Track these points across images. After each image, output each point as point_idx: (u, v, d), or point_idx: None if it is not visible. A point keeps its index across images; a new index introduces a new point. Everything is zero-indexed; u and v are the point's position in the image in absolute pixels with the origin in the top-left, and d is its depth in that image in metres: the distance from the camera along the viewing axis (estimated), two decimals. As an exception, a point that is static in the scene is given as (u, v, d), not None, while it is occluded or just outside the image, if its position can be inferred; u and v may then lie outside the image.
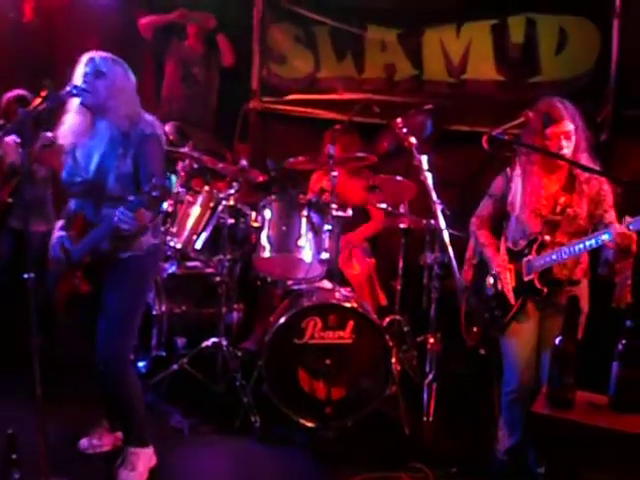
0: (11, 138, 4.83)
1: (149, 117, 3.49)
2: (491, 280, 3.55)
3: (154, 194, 3.05)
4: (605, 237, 3.11)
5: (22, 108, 4.66)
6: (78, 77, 3.34)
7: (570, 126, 3.35)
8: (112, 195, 3.27)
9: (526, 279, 3.41)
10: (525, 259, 3.42)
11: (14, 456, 3.00)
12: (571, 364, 2.67)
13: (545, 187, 3.46)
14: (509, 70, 5.33)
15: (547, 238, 3.39)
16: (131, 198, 3.12)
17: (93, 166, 3.40)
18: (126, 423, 3.65)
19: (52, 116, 3.56)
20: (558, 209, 3.42)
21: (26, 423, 3.14)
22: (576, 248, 3.22)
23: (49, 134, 4.80)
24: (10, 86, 5.20)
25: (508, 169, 3.57)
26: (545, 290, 3.37)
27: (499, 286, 3.48)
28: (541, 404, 2.69)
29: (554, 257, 3.31)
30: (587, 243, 3.18)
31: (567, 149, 3.35)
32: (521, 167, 3.50)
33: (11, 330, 4.68)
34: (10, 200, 4.98)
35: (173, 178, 3.13)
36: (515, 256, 3.48)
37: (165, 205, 3.14)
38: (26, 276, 3.04)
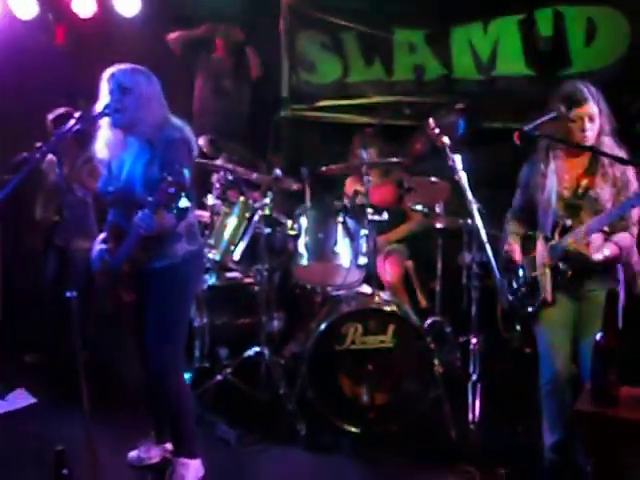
0: (52, 157, 4.93)
1: (178, 122, 3.49)
2: (520, 270, 3.53)
3: (170, 191, 3.03)
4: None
5: (58, 128, 4.80)
6: (105, 95, 3.39)
7: (594, 108, 3.34)
8: (141, 202, 3.25)
9: (550, 263, 3.39)
10: (549, 244, 3.41)
11: (65, 471, 3.04)
12: (613, 360, 2.63)
13: (568, 170, 3.46)
14: (539, 64, 5.28)
15: (569, 222, 3.37)
16: (149, 199, 3.12)
17: (124, 175, 3.46)
18: (176, 434, 3.69)
19: (91, 135, 3.61)
20: (580, 192, 3.41)
21: (75, 438, 3.19)
22: (594, 225, 3.23)
23: (89, 153, 4.90)
24: (45, 108, 5.31)
25: (541, 164, 3.54)
26: (569, 272, 3.35)
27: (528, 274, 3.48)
28: (585, 401, 2.65)
29: (577, 235, 3.28)
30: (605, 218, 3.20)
31: (590, 131, 3.35)
32: (544, 152, 3.50)
33: (58, 346, 4.77)
34: (56, 218, 5.08)
35: (186, 172, 3.10)
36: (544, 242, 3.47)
37: (185, 203, 3.06)
38: (69, 294, 3.09)
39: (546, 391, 3.49)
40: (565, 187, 3.44)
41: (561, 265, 3.36)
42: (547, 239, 3.45)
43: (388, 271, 5.02)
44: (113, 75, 3.39)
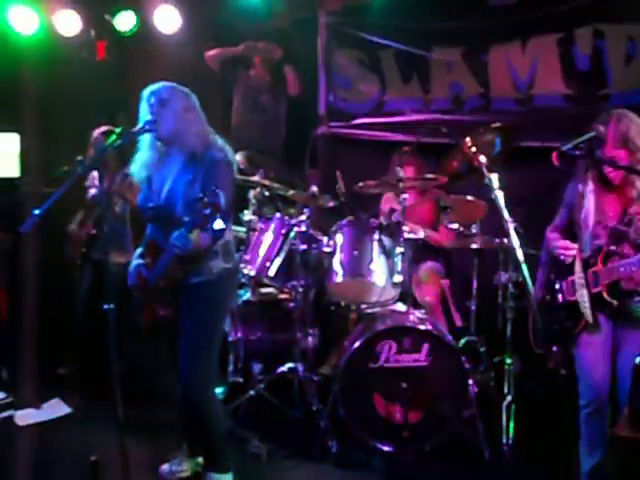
0: (94, 172, 5.02)
1: (220, 142, 3.54)
2: (558, 286, 3.50)
3: (205, 212, 3.05)
4: None
5: (100, 144, 4.89)
6: (145, 112, 3.45)
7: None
8: (180, 220, 3.29)
9: (594, 291, 3.34)
10: (591, 270, 3.36)
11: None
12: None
13: (616, 197, 3.40)
14: (578, 83, 5.24)
15: (612, 248, 3.32)
16: (186, 219, 3.16)
17: (165, 192, 3.50)
18: (207, 449, 3.70)
19: (132, 150, 3.67)
20: (627, 219, 3.35)
21: (109, 449, 3.22)
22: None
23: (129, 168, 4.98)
24: (87, 123, 5.41)
25: (580, 184, 3.51)
26: (615, 303, 3.30)
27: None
28: (623, 426, 2.61)
29: (622, 270, 3.24)
30: None
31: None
32: (592, 178, 3.44)
33: (94, 358, 4.82)
34: (94, 232, 5.16)
35: (221, 193, 3.11)
36: (583, 266, 3.42)
37: (220, 225, 3.08)
38: (106, 307, 3.13)
39: (586, 414, 3.44)
40: (609, 215, 3.38)
41: (606, 296, 3.31)
42: (588, 263, 3.40)
43: (425, 290, 5.00)
44: (153, 92, 3.47)
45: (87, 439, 4.19)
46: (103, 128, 5.14)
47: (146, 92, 3.48)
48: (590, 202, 3.44)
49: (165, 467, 3.89)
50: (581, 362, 3.46)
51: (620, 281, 3.30)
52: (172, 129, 3.44)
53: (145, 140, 3.53)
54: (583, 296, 3.41)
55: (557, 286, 3.56)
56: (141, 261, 3.60)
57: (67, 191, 3.05)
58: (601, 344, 3.42)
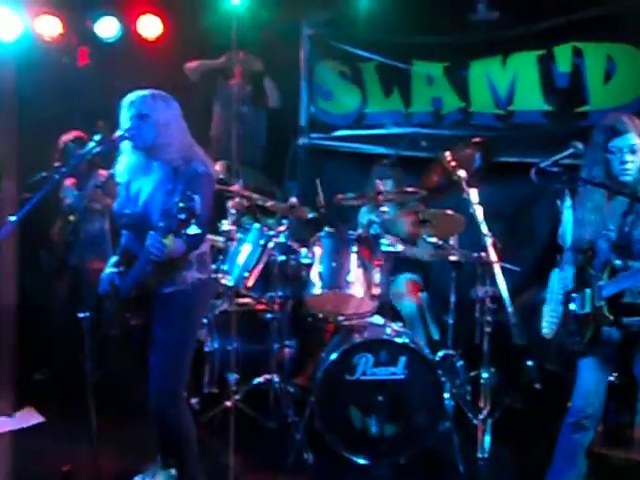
0: (70, 180, 4.98)
1: (201, 154, 3.52)
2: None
3: (180, 217, 3.03)
4: None
5: (77, 151, 4.85)
6: (125, 120, 3.43)
7: (635, 140, 3.23)
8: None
9: (596, 305, 3.29)
10: (597, 284, 3.30)
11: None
12: (628, 400, 2.59)
13: (611, 211, 3.34)
14: (557, 100, 5.30)
15: (618, 262, 3.26)
16: (160, 224, 3.13)
17: (142, 200, 3.47)
18: (179, 460, 3.66)
19: (108, 157, 3.64)
20: (626, 230, 3.29)
21: (82, 459, 3.19)
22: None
23: (103, 173, 4.94)
24: (66, 129, 5.37)
25: (558, 201, 3.51)
26: (612, 318, 3.23)
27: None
28: (597, 442, 2.61)
29: (621, 284, 3.19)
30: None
31: (632, 164, 3.24)
32: (583, 193, 3.41)
33: (68, 366, 4.77)
34: (71, 238, 5.12)
35: (197, 198, 3.10)
36: (592, 280, 3.34)
37: (195, 230, 3.07)
38: (82, 315, 3.10)
39: (570, 423, 3.37)
40: (610, 229, 3.32)
41: (605, 312, 3.24)
42: (596, 278, 3.33)
43: (403, 302, 5.00)
44: (132, 102, 3.42)
45: (60, 449, 4.14)
46: (71, 134, 5.11)
47: (126, 101, 3.45)
48: (567, 218, 3.44)
49: (138, 478, 3.84)
50: (580, 375, 3.40)
51: (623, 297, 3.23)
52: (152, 144, 3.41)
53: (127, 145, 3.50)
54: (553, 311, 3.40)
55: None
56: (114, 269, 3.57)
57: (44, 197, 3.03)
58: (605, 361, 3.37)
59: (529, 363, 4.37)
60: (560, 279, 3.46)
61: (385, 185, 4.73)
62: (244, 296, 4.88)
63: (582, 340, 3.34)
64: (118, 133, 3.39)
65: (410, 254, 5.14)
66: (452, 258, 4.76)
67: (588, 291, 3.33)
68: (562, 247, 3.48)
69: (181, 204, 3.04)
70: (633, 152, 3.24)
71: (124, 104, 3.45)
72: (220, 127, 6.31)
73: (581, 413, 3.35)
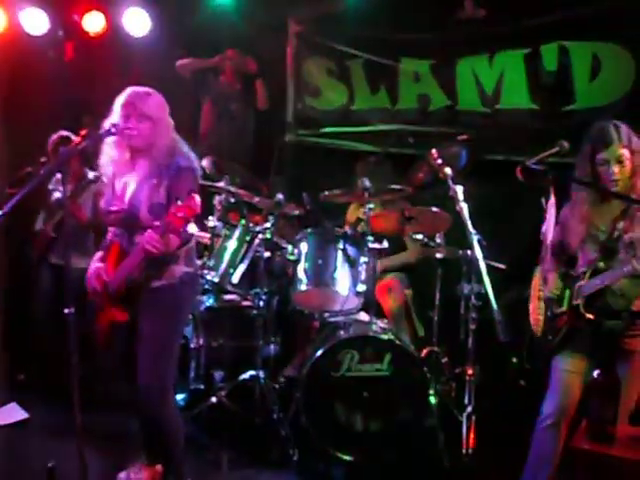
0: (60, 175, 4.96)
1: (186, 148, 3.52)
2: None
3: (179, 215, 3.07)
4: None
5: (64, 147, 4.83)
6: (117, 116, 3.41)
7: (622, 150, 3.24)
8: (144, 225, 3.28)
9: (573, 303, 3.33)
10: (577, 284, 3.34)
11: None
12: (611, 397, 2.61)
13: (603, 213, 3.36)
14: (543, 98, 5.33)
15: (601, 264, 3.29)
16: (157, 223, 3.15)
17: (128, 196, 3.47)
18: (165, 456, 3.66)
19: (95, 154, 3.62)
20: (616, 235, 3.31)
21: (66, 455, 3.18)
22: (617, 272, 3.15)
23: (92, 173, 4.93)
24: (52, 124, 5.34)
25: (542, 199, 3.54)
26: (588, 316, 3.26)
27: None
28: (580, 438, 2.63)
29: (597, 282, 3.23)
30: (625, 269, 3.11)
31: (620, 174, 3.24)
32: (575, 195, 3.42)
33: (52, 362, 4.76)
34: (53, 235, 5.10)
35: (197, 198, 3.13)
36: (572, 281, 3.39)
37: (193, 229, 3.10)
38: (66, 311, 3.10)
39: (543, 426, 3.37)
40: (600, 230, 3.34)
41: (582, 309, 3.27)
42: (577, 279, 3.36)
43: (390, 299, 5.01)
44: (132, 103, 3.40)
45: (44, 445, 4.13)
46: (58, 134, 5.09)
47: (123, 98, 3.42)
48: (551, 216, 3.46)
49: (123, 475, 3.82)
50: (553, 375, 3.42)
51: (604, 298, 3.26)
52: (148, 142, 3.41)
53: (111, 139, 3.48)
54: (538, 308, 3.43)
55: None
56: (101, 265, 3.56)
57: (30, 192, 3.02)
58: (580, 363, 3.37)
59: (514, 360, 4.38)
60: (540, 275, 3.51)
61: (371, 182, 4.73)
62: (230, 292, 4.87)
63: (554, 338, 3.38)
64: (105, 128, 3.37)
65: (399, 262, 5.17)
66: (438, 255, 4.78)
67: (567, 292, 3.37)
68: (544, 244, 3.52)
69: (180, 202, 3.08)
70: (620, 162, 3.25)
71: (121, 100, 3.42)
72: (209, 123, 6.30)
73: (552, 416, 3.35)
